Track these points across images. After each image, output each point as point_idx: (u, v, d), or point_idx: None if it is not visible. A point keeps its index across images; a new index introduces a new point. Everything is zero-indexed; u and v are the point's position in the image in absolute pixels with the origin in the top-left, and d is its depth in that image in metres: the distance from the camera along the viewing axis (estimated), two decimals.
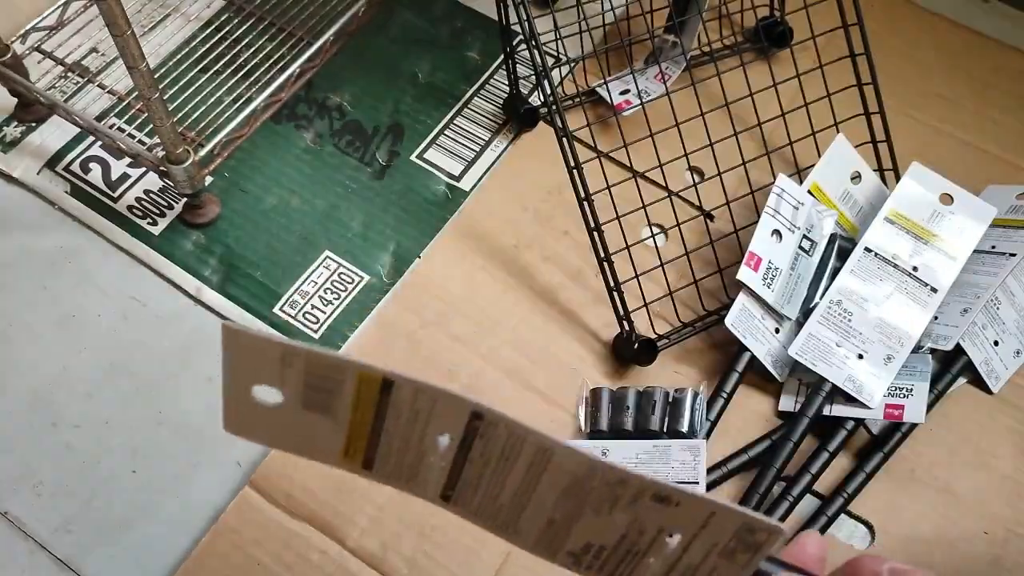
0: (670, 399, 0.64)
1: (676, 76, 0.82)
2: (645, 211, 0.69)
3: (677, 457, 0.62)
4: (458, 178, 0.80)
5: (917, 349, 0.67)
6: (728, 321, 0.66)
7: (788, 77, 0.73)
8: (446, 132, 0.82)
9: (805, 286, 0.70)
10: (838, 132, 0.73)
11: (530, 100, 0.82)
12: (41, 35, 0.81)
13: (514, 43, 0.85)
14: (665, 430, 0.64)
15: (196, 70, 0.82)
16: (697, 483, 0.60)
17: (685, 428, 0.63)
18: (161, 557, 0.62)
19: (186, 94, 0.80)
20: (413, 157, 0.81)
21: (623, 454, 0.63)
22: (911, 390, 0.65)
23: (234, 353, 0.31)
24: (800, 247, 0.70)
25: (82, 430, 0.67)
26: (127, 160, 0.78)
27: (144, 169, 0.78)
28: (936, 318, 0.68)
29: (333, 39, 0.81)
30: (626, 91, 0.80)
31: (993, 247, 0.71)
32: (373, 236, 0.76)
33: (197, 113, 0.77)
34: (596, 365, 0.70)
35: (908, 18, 0.91)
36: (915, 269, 0.68)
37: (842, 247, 0.70)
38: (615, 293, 0.67)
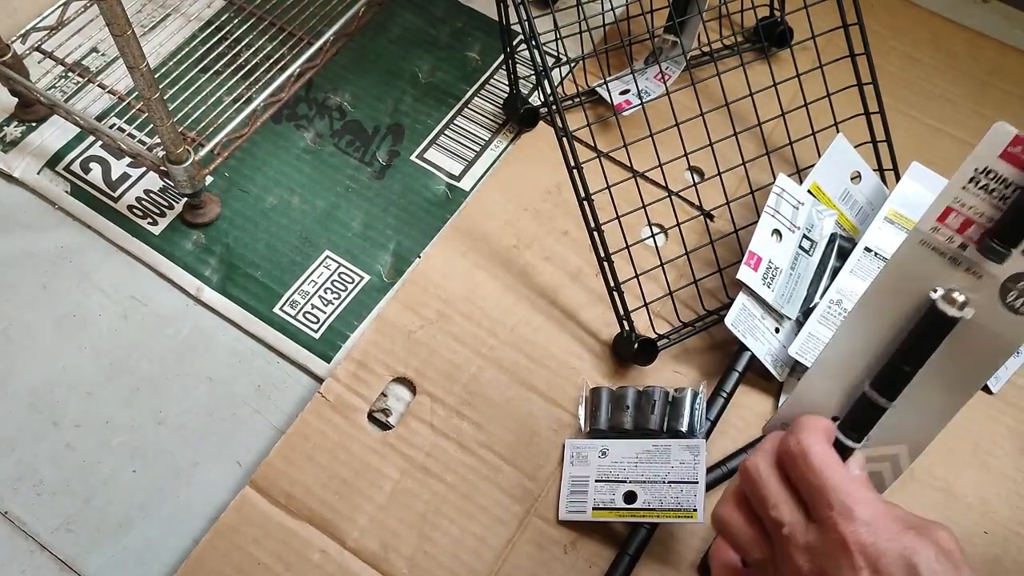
0: (670, 399, 0.64)
1: (676, 76, 0.82)
2: (645, 211, 0.69)
3: (677, 457, 0.62)
4: (458, 178, 0.80)
5: None
6: (728, 321, 0.66)
7: (788, 77, 0.73)
8: (446, 132, 0.82)
9: (805, 286, 0.70)
10: (838, 132, 0.73)
11: (530, 100, 0.82)
12: (41, 35, 0.81)
13: (514, 43, 0.85)
14: (665, 429, 0.64)
15: (196, 70, 0.82)
16: (697, 483, 0.60)
17: (685, 428, 0.63)
18: (161, 557, 0.62)
19: (186, 94, 0.80)
20: (413, 157, 0.81)
21: (622, 453, 0.63)
22: None
23: None
24: (800, 247, 0.70)
25: (82, 430, 0.67)
26: (127, 160, 0.78)
27: (144, 169, 0.78)
28: None
29: (333, 39, 0.81)
30: (626, 91, 0.80)
31: None
32: (373, 236, 0.76)
33: (197, 113, 0.77)
34: (596, 365, 0.70)
35: (908, 18, 0.91)
36: None
37: (842, 247, 0.70)
38: (615, 293, 0.67)
